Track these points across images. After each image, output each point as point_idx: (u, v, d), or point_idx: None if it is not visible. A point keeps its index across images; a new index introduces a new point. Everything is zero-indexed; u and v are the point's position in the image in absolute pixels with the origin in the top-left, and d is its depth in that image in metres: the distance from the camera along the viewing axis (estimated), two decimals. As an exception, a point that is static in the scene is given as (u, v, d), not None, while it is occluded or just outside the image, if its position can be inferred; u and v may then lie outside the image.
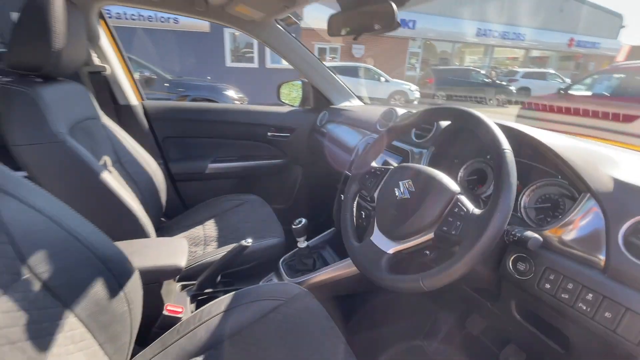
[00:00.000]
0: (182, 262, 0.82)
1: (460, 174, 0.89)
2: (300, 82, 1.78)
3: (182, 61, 9.46)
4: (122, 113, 1.37)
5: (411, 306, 1.24)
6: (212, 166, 1.61)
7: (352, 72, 11.85)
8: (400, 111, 1.22)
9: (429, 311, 1.22)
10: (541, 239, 0.55)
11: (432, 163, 0.91)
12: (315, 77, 1.64)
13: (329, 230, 1.27)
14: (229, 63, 10.61)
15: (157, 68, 5.90)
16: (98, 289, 0.56)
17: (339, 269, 1.07)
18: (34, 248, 0.49)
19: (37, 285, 0.48)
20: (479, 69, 13.48)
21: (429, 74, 13.31)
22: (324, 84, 1.66)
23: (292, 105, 1.84)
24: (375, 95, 11.51)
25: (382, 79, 12.03)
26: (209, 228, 1.28)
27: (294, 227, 1.08)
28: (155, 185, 1.21)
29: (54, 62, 0.84)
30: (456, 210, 0.58)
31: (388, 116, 1.23)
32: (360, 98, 1.76)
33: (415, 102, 12.16)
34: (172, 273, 0.82)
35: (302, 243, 1.10)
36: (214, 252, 1.12)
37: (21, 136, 0.81)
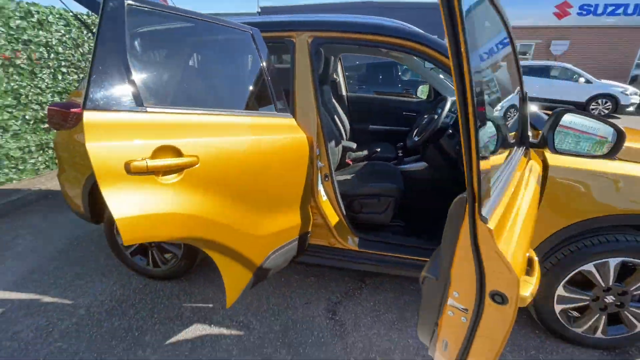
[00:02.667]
0: (353, 145, 2.45)
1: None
2: (427, 85, 3.10)
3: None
4: (340, 99, 3.16)
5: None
6: (372, 127, 3.21)
7: (542, 72, 10.86)
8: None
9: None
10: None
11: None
12: (434, 82, 2.93)
13: (417, 156, 2.61)
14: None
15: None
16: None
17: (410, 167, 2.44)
18: None
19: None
20: None
21: (669, 72, 10.31)
22: (438, 86, 2.92)
23: (421, 98, 3.19)
24: (568, 98, 10.16)
25: (582, 79, 10.38)
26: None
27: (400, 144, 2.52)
28: (348, 131, 2.91)
29: (327, 80, 2.61)
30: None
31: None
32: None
33: (631, 109, 9.85)
34: (350, 149, 2.45)
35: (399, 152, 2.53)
36: (362, 152, 2.71)
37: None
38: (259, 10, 11.96)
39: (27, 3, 3.55)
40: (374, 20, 1.66)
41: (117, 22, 0.97)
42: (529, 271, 0.73)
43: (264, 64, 1.49)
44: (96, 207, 2.05)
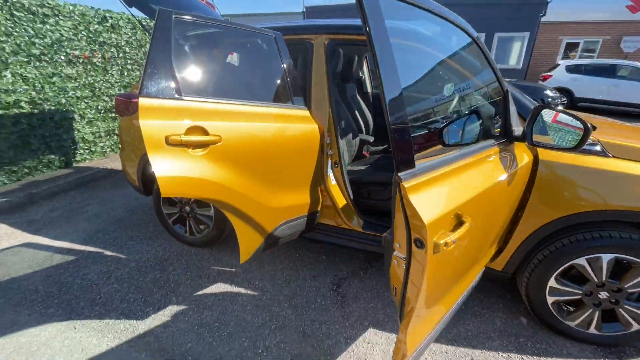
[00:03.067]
0: (370, 138, 2.62)
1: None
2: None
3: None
4: (365, 95, 3.33)
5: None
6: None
7: (608, 72, 9.94)
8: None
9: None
10: None
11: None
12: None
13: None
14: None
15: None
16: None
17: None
18: None
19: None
20: None
21: None
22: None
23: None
24: (637, 101, 9.20)
25: (655, 80, 9.34)
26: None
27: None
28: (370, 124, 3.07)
29: (351, 77, 2.80)
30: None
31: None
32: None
33: None
34: (367, 142, 2.62)
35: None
36: (381, 147, 2.86)
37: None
38: (304, 9, 12.35)
39: (103, 10, 4.20)
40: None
41: (166, 31, 1.27)
42: (456, 229, 0.88)
43: (284, 62, 1.74)
44: (147, 182, 2.47)
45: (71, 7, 3.81)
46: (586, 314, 1.63)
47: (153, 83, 1.22)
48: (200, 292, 2.00)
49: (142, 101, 1.18)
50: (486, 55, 1.33)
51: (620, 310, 1.58)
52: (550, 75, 10.61)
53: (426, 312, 0.99)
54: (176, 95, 1.27)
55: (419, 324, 0.97)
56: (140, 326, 1.74)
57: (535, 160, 1.49)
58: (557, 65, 10.72)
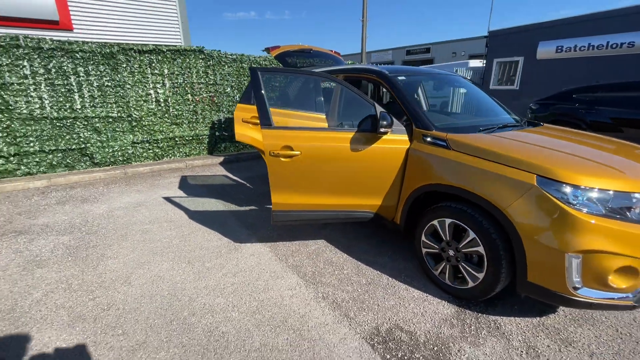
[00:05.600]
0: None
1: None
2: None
3: None
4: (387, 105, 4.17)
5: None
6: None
7: None
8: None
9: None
10: None
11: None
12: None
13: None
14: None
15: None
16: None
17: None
18: None
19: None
20: None
21: None
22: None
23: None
24: None
25: None
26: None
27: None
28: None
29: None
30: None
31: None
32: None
33: None
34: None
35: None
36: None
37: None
38: (488, 33, 12.21)
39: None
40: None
41: (257, 76, 3.19)
42: (289, 149, 2.18)
43: (317, 94, 3.31)
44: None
45: (252, 57, 6.71)
46: (442, 265, 2.22)
47: (244, 98, 3.16)
48: (267, 206, 3.85)
49: (239, 104, 3.16)
50: (347, 87, 2.43)
51: (460, 267, 2.10)
52: None
53: (287, 192, 2.34)
54: (250, 103, 3.17)
55: (282, 196, 2.34)
56: (237, 208, 3.79)
57: (409, 148, 2.33)
58: None
